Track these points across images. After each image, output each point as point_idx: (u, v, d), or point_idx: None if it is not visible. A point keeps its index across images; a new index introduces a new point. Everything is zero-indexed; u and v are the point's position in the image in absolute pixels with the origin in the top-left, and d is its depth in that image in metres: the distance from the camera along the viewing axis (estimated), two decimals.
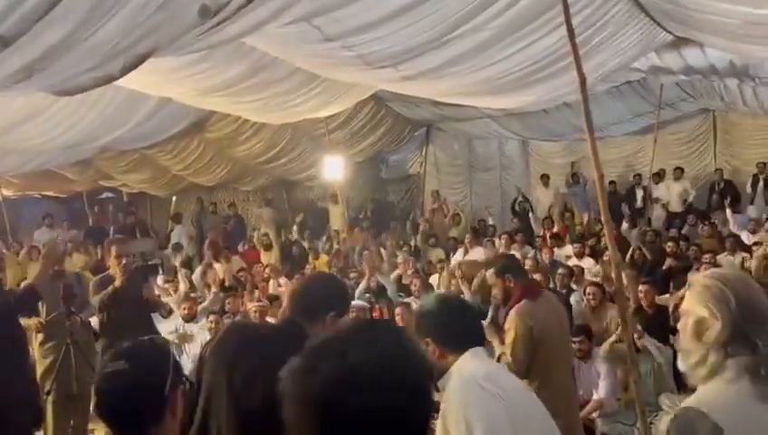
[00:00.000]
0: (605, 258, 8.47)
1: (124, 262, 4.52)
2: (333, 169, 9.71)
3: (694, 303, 1.66)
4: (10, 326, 4.00)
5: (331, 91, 7.61)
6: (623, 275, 7.30)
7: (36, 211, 14.07)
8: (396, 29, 4.63)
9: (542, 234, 10.64)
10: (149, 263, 5.45)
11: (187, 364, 6.52)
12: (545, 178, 12.46)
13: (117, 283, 4.36)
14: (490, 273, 3.55)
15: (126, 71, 2.90)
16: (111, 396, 1.48)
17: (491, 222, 11.25)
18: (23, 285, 4.39)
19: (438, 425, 1.99)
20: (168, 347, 1.60)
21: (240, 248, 10.99)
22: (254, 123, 10.38)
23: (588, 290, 6.22)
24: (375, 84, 6.87)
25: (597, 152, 3.72)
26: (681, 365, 1.69)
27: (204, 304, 6.87)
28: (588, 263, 8.67)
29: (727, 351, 1.57)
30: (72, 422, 4.92)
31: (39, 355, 4.82)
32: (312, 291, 2.28)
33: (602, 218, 3.93)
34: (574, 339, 4.93)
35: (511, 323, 3.37)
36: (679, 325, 1.74)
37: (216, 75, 6.31)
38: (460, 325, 2.11)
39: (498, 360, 3.38)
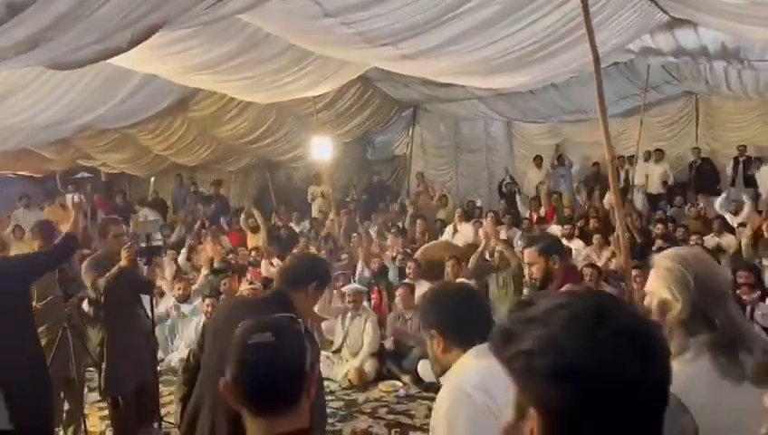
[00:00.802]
0: (594, 241, 8.56)
1: (129, 243, 4.37)
2: (321, 149, 9.58)
3: (657, 285, 1.72)
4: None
5: (322, 70, 7.47)
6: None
7: (9, 191, 13.71)
8: (398, 6, 4.53)
9: (528, 215, 10.68)
10: (153, 244, 5.29)
11: (181, 347, 6.45)
12: (538, 160, 12.46)
13: (123, 263, 4.22)
14: (531, 251, 3.15)
15: (134, 43, 2.77)
16: (257, 368, 1.36)
17: (479, 204, 11.24)
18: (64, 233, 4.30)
19: None
20: (302, 325, 1.50)
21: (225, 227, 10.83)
22: (239, 103, 10.19)
23: (585, 271, 6.23)
24: (371, 63, 6.76)
25: (608, 134, 3.68)
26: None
27: (195, 286, 6.76)
28: (577, 244, 8.71)
29: (689, 330, 1.64)
30: (66, 406, 4.79)
31: None
32: (298, 265, 2.69)
33: (614, 202, 3.90)
34: None
35: None
36: (645, 302, 1.78)
37: (206, 52, 6.14)
38: (468, 317, 1.86)
39: None
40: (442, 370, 1.88)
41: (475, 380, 1.73)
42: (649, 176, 11.66)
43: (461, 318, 1.87)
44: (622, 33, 6.33)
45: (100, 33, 2.61)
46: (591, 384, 0.79)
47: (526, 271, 3.21)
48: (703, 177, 10.99)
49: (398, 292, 6.17)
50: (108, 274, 4.22)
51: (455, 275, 6.56)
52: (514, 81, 7.14)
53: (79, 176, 15.07)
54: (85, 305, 4.73)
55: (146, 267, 4.96)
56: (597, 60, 3.59)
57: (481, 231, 9.16)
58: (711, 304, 1.64)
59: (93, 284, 4.28)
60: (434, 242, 8.72)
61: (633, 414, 0.81)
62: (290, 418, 1.36)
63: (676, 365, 1.46)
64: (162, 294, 6.75)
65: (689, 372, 1.57)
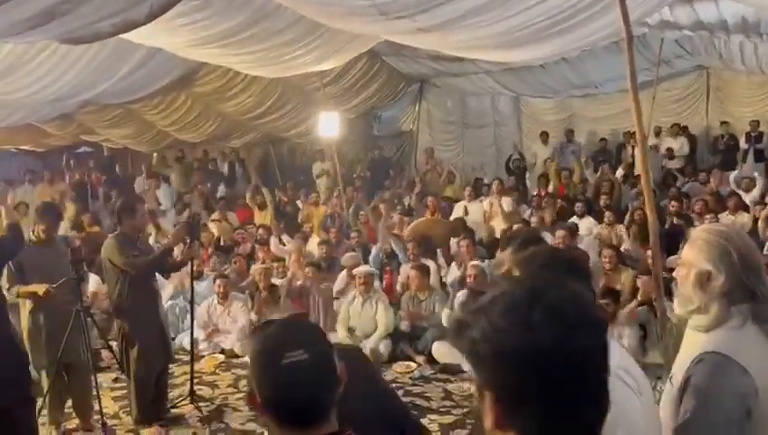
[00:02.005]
0: (605, 219, 8.43)
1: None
2: (327, 125, 9.42)
3: (697, 257, 1.77)
4: None
5: (331, 44, 7.29)
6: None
7: (10, 165, 13.59)
8: None
9: (537, 192, 10.55)
10: (196, 220, 5.24)
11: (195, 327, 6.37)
12: (544, 136, 12.29)
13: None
14: (506, 253, 3.06)
15: (152, 16, 2.64)
16: (293, 391, 1.29)
17: (486, 181, 11.10)
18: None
19: None
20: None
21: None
22: (244, 77, 10.01)
23: (604, 253, 6.13)
24: (384, 36, 6.58)
25: (640, 110, 3.55)
26: (679, 310, 1.83)
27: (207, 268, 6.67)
28: (588, 222, 8.57)
29: (731, 300, 1.70)
30: (74, 391, 4.73)
31: (32, 323, 4.55)
32: None
33: (642, 183, 3.78)
34: (600, 301, 4.87)
35: None
36: (678, 273, 1.85)
37: (216, 24, 5.97)
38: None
39: None
40: None
41: (615, 360, 1.74)
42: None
43: None
44: (646, 3, 6.14)
45: (118, 6, 2.47)
46: (530, 364, 0.88)
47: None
48: (730, 154, 10.82)
49: (412, 273, 6.07)
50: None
51: (469, 256, 6.46)
52: (531, 54, 6.96)
53: (81, 151, 14.95)
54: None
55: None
56: (630, 38, 3.45)
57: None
58: (751, 276, 1.72)
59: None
60: (418, 220, 8.57)
61: (574, 386, 0.89)
62: (323, 425, 1.32)
63: (723, 333, 1.70)
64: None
65: (741, 338, 1.67)
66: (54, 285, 4.27)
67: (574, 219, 8.59)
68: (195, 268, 6.32)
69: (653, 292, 4.65)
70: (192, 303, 5.29)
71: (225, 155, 13.61)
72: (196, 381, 5.32)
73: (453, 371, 5.58)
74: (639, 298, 5.23)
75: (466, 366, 1.38)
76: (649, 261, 6.15)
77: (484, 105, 13.59)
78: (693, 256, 1.79)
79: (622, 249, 7.35)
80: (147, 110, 10.71)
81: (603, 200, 9.09)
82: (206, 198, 10.97)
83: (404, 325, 6.01)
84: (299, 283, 6.53)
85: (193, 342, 5.20)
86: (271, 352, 1.30)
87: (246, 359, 6.12)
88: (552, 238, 7.16)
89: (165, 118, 11.03)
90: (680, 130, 11.73)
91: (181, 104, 10.76)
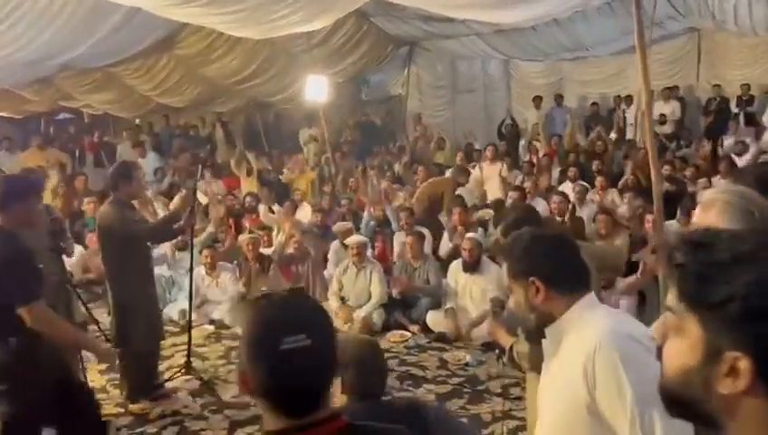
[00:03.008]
0: (597, 183, 8.33)
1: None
2: (315, 88, 9.16)
3: (717, 220, 1.66)
4: None
5: (319, 3, 7.02)
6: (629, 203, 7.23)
7: None
8: None
9: (528, 158, 10.41)
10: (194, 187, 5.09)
11: (180, 298, 6.22)
12: (537, 100, 12.11)
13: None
14: (498, 233, 2.78)
15: None
16: (294, 378, 1.16)
17: (477, 147, 10.94)
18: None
19: (572, 386, 1.63)
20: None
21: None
22: (227, 39, 9.68)
23: (598, 218, 6.03)
24: None
25: (647, 70, 3.40)
26: None
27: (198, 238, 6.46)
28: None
29: None
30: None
31: None
32: None
33: (648, 147, 3.65)
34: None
35: None
36: None
37: None
38: (573, 264, 1.76)
39: None
40: (544, 319, 1.76)
41: (630, 328, 1.69)
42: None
43: (567, 266, 1.77)
44: None
45: None
46: None
47: None
48: (721, 117, 10.71)
49: (408, 240, 5.93)
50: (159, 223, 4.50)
51: (462, 224, 6.33)
52: (523, 15, 6.76)
53: (61, 117, 14.53)
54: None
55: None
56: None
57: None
58: None
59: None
60: (425, 183, 8.31)
61: None
62: (318, 411, 1.21)
63: None
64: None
65: None
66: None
67: (567, 184, 8.49)
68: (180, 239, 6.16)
69: (657, 267, 4.52)
70: (191, 270, 5.18)
71: (208, 121, 13.30)
72: (183, 353, 5.23)
73: (448, 339, 5.51)
74: (639, 275, 5.12)
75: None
76: (648, 225, 6.12)
77: (474, 69, 13.37)
78: (712, 221, 1.68)
79: (618, 213, 7.28)
80: (127, 74, 10.36)
81: (596, 165, 8.99)
82: (189, 165, 10.71)
83: (395, 292, 5.89)
84: (289, 251, 6.39)
85: (191, 309, 5.05)
86: (269, 334, 1.16)
87: (237, 331, 6.01)
88: (547, 205, 7.07)
89: (146, 82, 10.69)
90: (671, 93, 11.57)
91: (162, 68, 10.41)
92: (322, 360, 1.19)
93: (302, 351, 1.14)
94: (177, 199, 4.98)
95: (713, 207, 1.73)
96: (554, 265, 1.75)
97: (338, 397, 1.97)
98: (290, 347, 1.13)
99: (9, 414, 2.89)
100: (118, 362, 4.47)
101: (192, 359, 5.03)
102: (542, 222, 3.25)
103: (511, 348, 2.67)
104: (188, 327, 5.06)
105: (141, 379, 4.56)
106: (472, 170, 9.14)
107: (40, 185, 4.08)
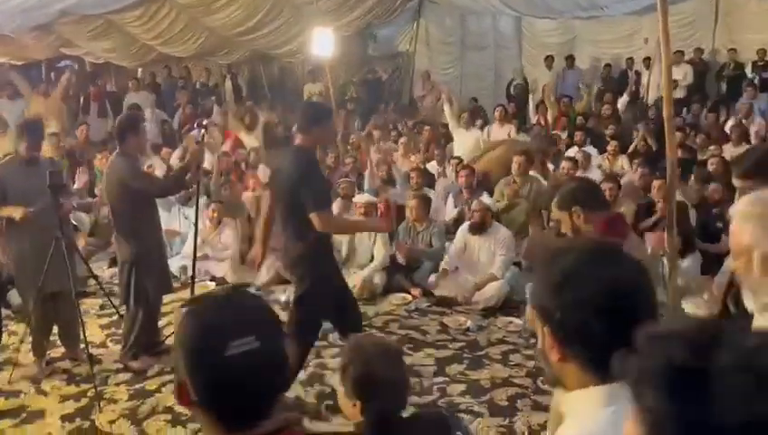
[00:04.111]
0: (609, 148, 8.18)
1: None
2: (321, 42, 8.92)
3: (754, 236, 1.55)
4: None
5: None
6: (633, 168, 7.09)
7: None
8: None
9: (536, 121, 10.22)
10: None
11: (183, 251, 6.17)
12: (549, 60, 11.83)
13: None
14: (553, 206, 2.66)
15: None
16: (241, 387, 1.05)
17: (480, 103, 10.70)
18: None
19: None
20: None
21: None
22: None
23: (604, 186, 5.92)
24: None
25: (668, 30, 3.24)
26: (750, 304, 1.64)
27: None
28: (589, 150, 8.30)
29: None
30: (59, 320, 4.57)
31: (18, 249, 4.32)
32: None
33: (664, 114, 3.52)
34: None
35: None
36: (733, 264, 1.65)
37: None
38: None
39: None
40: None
41: None
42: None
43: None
44: None
45: None
46: None
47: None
48: (736, 83, 10.45)
49: (412, 203, 5.83)
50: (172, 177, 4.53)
51: (469, 190, 6.23)
52: None
53: (62, 65, 14.26)
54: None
55: None
56: None
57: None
58: None
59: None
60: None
61: None
62: (266, 422, 1.09)
63: None
64: None
65: None
66: (32, 209, 4.02)
67: (574, 148, 8.35)
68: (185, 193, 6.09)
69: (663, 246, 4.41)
70: (196, 225, 5.17)
71: (215, 73, 13.02)
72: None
73: (449, 303, 5.48)
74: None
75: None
76: (654, 192, 6.02)
77: (484, 26, 13.04)
78: (749, 237, 1.56)
79: (623, 181, 7.16)
80: (128, 21, 10.13)
81: (610, 130, 8.80)
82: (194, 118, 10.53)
83: (399, 257, 5.84)
84: None
85: (195, 264, 5.01)
86: (212, 339, 1.05)
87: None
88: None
89: (148, 31, 10.45)
90: (682, 57, 11.27)
91: (164, 17, 10.17)
92: (273, 363, 1.09)
93: (251, 354, 1.04)
94: (190, 152, 4.85)
95: (748, 223, 1.61)
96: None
97: (351, 414, 1.87)
98: (237, 352, 1.03)
99: (301, 294, 3.65)
100: (126, 316, 4.47)
101: None
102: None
103: None
104: (192, 282, 5.02)
105: (147, 335, 4.52)
106: (479, 132, 8.99)
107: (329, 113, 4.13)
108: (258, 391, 1.08)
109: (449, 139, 9.06)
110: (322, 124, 3.64)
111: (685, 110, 10.32)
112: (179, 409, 3.97)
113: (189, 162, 4.60)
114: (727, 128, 8.88)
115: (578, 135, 8.61)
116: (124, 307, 4.53)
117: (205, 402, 1.07)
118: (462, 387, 4.14)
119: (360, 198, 5.86)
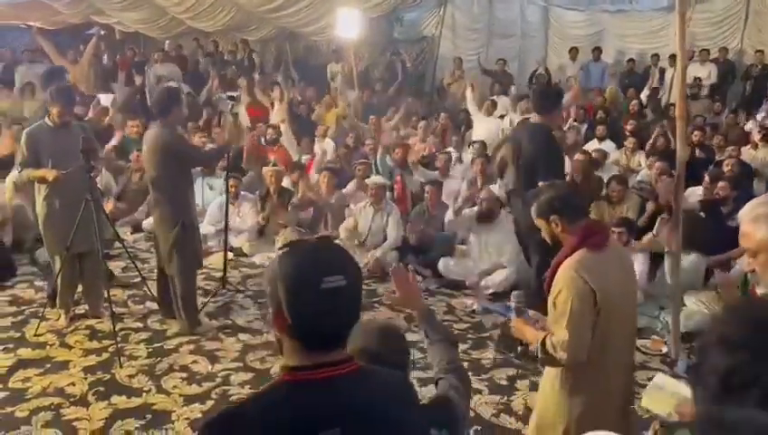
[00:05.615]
0: (627, 144, 8.19)
1: None
2: (347, 23, 9.02)
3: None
4: None
5: None
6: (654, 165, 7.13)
7: (20, 42, 13.18)
8: None
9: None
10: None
11: (204, 223, 6.37)
12: (573, 52, 11.81)
13: None
14: (532, 213, 2.62)
15: None
16: (330, 317, 1.27)
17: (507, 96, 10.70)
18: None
19: None
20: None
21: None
22: None
23: (611, 187, 6.03)
24: None
25: (684, 36, 3.33)
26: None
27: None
28: (607, 146, 8.33)
29: None
30: (85, 278, 4.80)
31: (47, 209, 4.55)
32: None
33: (677, 113, 3.62)
34: (615, 229, 4.81)
35: (561, 283, 2.37)
36: (752, 264, 1.70)
37: None
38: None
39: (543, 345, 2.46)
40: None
41: None
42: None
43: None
44: None
45: None
46: None
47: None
48: (761, 85, 10.38)
49: (427, 189, 5.98)
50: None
51: (482, 178, 6.35)
52: None
53: (92, 31, 14.46)
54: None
55: None
56: None
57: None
58: None
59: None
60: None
61: None
62: (342, 349, 1.33)
63: None
64: None
65: None
66: (64, 172, 4.21)
67: (594, 142, 8.38)
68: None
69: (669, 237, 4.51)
70: (227, 196, 5.59)
71: (241, 47, 13.13)
72: (203, 277, 5.44)
73: (457, 286, 5.63)
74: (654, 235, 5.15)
75: None
76: (659, 184, 6.06)
77: (512, 14, 13.01)
78: (765, 234, 1.64)
79: (638, 178, 7.20)
80: None
81: (630, 125, 8.80)
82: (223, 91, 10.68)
83: (412, 238, 6.00)
84: (309, 195, 6.49)
85: (227, 231, 5.40)
86: (311, 274, 1.25)
87: (255, 260, 6.18)
88: (570, 162, 7.01)
89: (178, 4, 10.61)
90: (708, 55, 11.16)
91: None
92: (355, 299, 1.31)
93: (340, 290, 1.25)
94: (229, 130, 5.12)
95: (762, 222, 1.69)
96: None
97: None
98: (330, 286, 1.24)
99: None
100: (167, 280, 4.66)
101: (209, 283, 5.22)
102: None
103: (543, 342, 2.42)
104: (224, 246, 5.44)
105: (185, 298, 4.65)
106: (499, 120, 9.06)
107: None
108: (341, 321, 1.30)
109: (469, 125, 9.15)
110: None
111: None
112: (195, 368, 4.19)
113: (230, 140, 4.87)
114: (747, 129, 8.85)
115: (600, 129, 8.61)
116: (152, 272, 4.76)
117: (297, 326, 1.27)
118: (464, 365, 4.28)
119: (372, 180, 6.03)
